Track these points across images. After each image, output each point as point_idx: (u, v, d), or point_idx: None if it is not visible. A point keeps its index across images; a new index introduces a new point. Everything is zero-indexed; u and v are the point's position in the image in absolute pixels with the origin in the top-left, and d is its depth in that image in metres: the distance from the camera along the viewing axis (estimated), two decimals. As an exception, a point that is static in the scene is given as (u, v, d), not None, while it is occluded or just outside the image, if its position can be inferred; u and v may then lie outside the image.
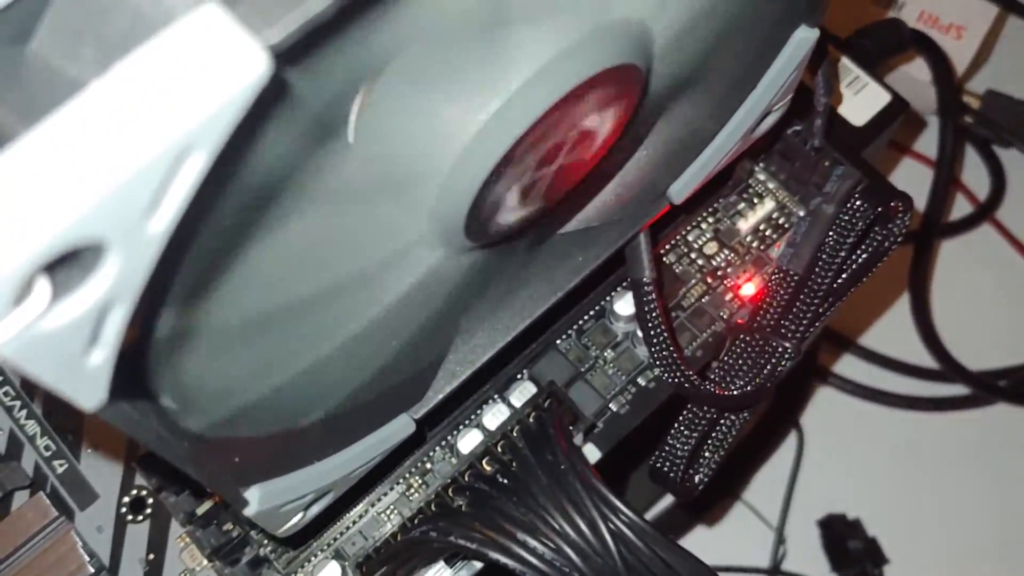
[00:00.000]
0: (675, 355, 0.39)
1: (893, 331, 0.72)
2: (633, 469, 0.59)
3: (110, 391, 0.19)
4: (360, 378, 0.32)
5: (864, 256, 0.42)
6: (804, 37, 0.35)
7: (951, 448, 0.70)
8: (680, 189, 0.38)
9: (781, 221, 0.46)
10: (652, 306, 0.39)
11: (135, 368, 0.22)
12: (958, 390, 0.70)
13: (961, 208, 0.75)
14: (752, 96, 0.36)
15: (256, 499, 0.30)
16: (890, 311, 0.73)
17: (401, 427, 0.36)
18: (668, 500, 0.66)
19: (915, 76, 0.70)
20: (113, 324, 0.18)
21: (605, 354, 0.44)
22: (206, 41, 0.16)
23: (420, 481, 0.42)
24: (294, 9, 0.17)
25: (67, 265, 0.16)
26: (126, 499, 0.43)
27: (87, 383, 0.19)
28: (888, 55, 0.63)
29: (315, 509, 0.35)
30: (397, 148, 0.24)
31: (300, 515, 0.34)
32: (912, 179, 0.67)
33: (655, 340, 0.40)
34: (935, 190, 0.66)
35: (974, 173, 0.75)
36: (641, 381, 0.44)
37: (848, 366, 0.72)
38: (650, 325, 0.40)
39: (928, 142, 0.74)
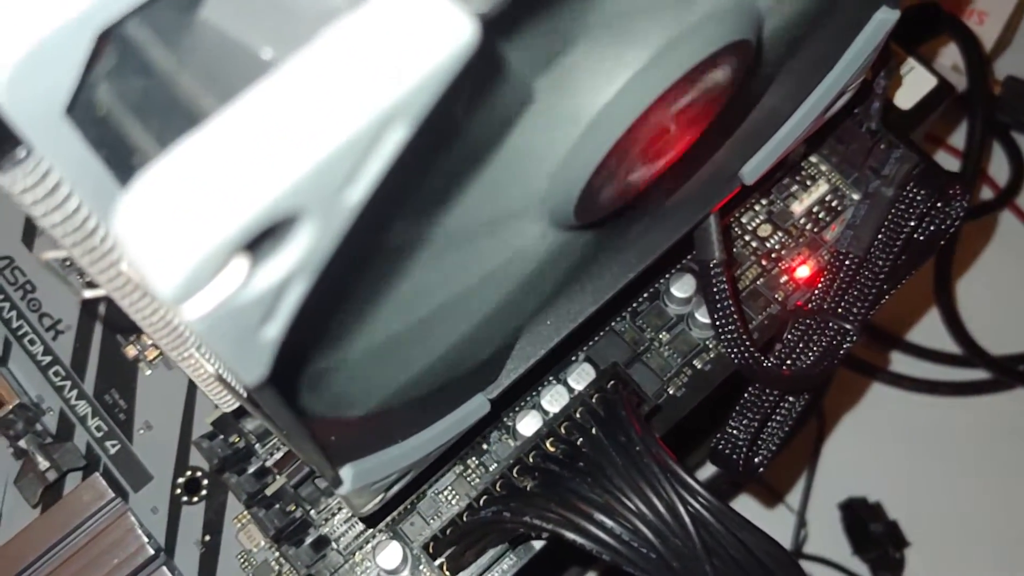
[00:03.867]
0: (745, 337, 0.39)
1: (915, 316, 0.73)
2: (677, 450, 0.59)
3: (271, 369, 0.19)
4: (453, 350, 0.32)
5: (923, 238, 0.42)
6: (884, 18, 0.35)
7: (972, 432, 0.70)
8: (753, 170, 0.37)
9: (835, 204, 0.46)
10: (721, 287, 0.39)
11: (292, 348, 0.21)
12: (979, 375, 0.71)
13: (981, 194, 0.75)
14: (830, 76, 0.36)
15: (350, 478, 0.30)
16: (912, 296, 0.73)
17: (477, 407, 0.35)
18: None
19: (938, 61, 0.70)
20: (290, 298, 0.17)
21: (660, 336, 0.44)
22: (411, 9, 0.16)
23: (477, 462, 0.42)
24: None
25: (265, 237, 0.16)
26: (180, 480, 0.42)
27: (254, 357, 0.18)
28: (922, 40, 0.63)
29: (394, 489, 0.34)
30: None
31: (382, 495, 0.34)
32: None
33: (725, 322, 0.39)
34: (964, 174, 0.67)
35: (994, 159, 0.76)
36: (697, 364, 0.44)
37: (869, 351, 0.72)
38: (719, 307, 0.39)
39: (951, 128, 0.74)
